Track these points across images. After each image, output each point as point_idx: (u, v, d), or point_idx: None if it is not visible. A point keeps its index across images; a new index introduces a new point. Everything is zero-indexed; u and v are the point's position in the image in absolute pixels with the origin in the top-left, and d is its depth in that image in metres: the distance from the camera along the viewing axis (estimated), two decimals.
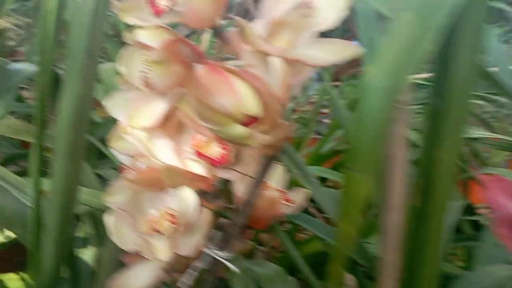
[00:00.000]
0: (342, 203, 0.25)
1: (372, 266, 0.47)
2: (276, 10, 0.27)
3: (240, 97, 0.23)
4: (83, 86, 0.34)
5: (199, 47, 0.30)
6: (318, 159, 0.85)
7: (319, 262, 0.67)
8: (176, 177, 0.30)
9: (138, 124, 0.31)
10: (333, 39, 0.29)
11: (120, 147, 0.37)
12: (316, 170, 0.66)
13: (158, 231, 0.35)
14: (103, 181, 0.68)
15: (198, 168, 0.32)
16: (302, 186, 0.47)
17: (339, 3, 0.28)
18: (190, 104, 0.31)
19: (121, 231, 0.36)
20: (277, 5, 0.27)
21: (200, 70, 0.25)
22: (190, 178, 0.31)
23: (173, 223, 0.36)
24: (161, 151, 0.32)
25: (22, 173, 0.69)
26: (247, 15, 0.31)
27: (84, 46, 0.33)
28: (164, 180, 0.31)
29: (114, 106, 0.36)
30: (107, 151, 0.74)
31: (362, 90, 0.21)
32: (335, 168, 1.01)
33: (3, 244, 0.58)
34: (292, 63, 0.29)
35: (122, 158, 0.39)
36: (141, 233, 0.36)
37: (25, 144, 0.82)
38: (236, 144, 0.28)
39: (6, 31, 0.49)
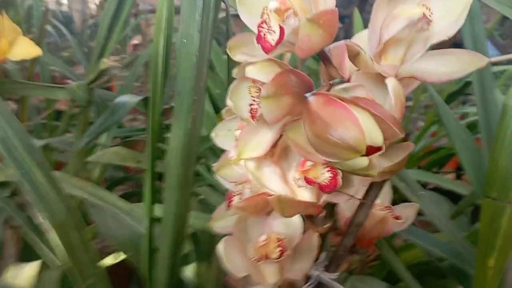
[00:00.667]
0: (482, 237, 0.23)
1: None
2: (389, 28, 0.26)
3: (363, 129, 0.22)
4: (192, 121, 0.36)
5: (307, 77, 0.30)
6: (413, 160, 0.81)
7: (421, 272, 0.63)
8: (288, 207, 0.30)
9: (248, 155, 0.32)
10: (457, 49, 0.27)
11: (226, 175, 0.38)
12: (415, 175, 0.63)
13: (268, 257, 0.36)
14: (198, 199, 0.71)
15: (307, 195, 0.32)
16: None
17: (456, 11, 0.26)
18: (299, 133, 0.31)
19: (231, 258, 0.37)
20: (390, 23, 0.26)
21: (315, 101, 0.25)
22: (300, 206, 0.31)
23: (281, 247, 0.36)
24: (270, 179, 0.32)
25: (127, 196, 0.74)
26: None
27: (192, 84, 0.35)
28: (276, 210, 0.31)
29: (220, 136, 0.38)
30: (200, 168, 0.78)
31: (503, 111, 0.20)
32: (430, 165, 0.96)
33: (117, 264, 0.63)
34: (406, 80, 0.28)
35: (228, 185, 0.41)
36: (250, 259, 0.37)
37: (127, 169, 0.89)
38: (356, 174, 0.27)
39: (109, 69, 0.53)
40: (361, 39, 0.33)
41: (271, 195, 0.30)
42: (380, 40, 0.27)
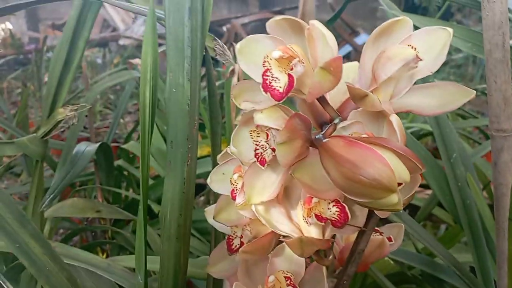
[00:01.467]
0: (510, 260, 0.25)
1: None
2: (386, 69, 0.28)
3: (392, 168, 0.24)
4: (188, 170, 0.35)
5: (307, 117, 0.31)
6: None
7: (396, 282, 0.67)
8: (308, 246, 0.31)
9: (258, 200, 0.32)
10: (439, 82, 0.30)
11: (225, 219, 0.38)
12: None
13: None
14: None
15: (315, 231, 0.33)
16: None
17: (437, 48, 0.29)
18: (305, 172, 0.32)
19: None
20: (386, 64, 0.28)
21: (335, 144, 0.26)
22: (317, 244, 0.31)
23: (291, 285, 0.37)
24: (279, 220, 0.33)
25: (87, 248, 0.69)
26: None
27: (186, 133, 0.34)
28: (295, 250, 0.31)
29: (215, 181, 0.37)
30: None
31: None
32: None
33: None
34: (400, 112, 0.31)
35: (223, 229, 0.40)
36: None
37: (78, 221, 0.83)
38: (385, 211, 0.28)
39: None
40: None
41: (288, 238, 0.31)
42: (376, 79, 0.29)
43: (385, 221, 0.46)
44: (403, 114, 1.39)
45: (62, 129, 0.52)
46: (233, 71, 0.85)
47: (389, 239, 0.41)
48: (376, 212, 0.32)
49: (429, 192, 0.86)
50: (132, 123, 2.21)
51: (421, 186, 1.04)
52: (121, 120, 1.84)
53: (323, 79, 0.26)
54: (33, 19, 5.68)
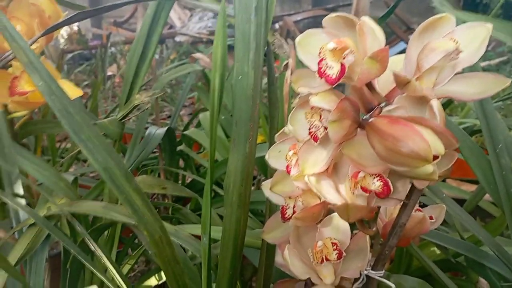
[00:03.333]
0: None
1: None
2: (428, 59, 0.32)
3: (427, 142, 0.28)
4: (249, 146, 0.41)
5: (356, 102, 0.35)
6: None
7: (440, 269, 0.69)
8: (353, 212, 0.35)
9: (311, 171, 0.37)
10: (479, 72, 0.33)
11: (281, 190, 0.43)
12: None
13: (328, 259, 0.41)
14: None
15: (361, 201, 0.37)
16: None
17: (477, 42, 0.33)
18: (352, 149, 0.37)
19: (294, 263, 0.42)
20: (429, 54, 0.32)
21: (380, 122, 0.31)
22: (362, 211, 0.36)
23: (338, 250, 0.41)
24: (328, 191, 0.38)
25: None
26: None
27: (248, 114, 0.40)
28: (341, 215, 0.36)
29: (272, 157, 0.43)
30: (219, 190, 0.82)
31: None
32: None
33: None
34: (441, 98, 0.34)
35: (277, 201, 0.46)
36: (312, 262, 0.41)
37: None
38: (422, 179, 0.33)
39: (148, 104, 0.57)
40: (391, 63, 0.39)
41: (336, 205, 0.36)
42: (420, 68, 0.33)
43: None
44: (457, 110, 1.37)
45: (138, 113, 0.60)
46: (287, 65, 0.91)
47: (431, 218, 0.45)
48: (414, 182, 0.36)
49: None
50: (187, 116, 2.33)
51: (470, 181, 1.04)
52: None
53: (371, 67, 0.31)
54: (96, 17, 6.04)
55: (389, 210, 0.47)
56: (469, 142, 0.56)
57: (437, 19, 0.34)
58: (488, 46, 0.34)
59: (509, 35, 0.46)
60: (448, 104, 1.07)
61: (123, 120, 0.62)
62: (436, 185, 0.52)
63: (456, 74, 0.34)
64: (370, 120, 0.32)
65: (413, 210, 0.45)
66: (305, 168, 0.37)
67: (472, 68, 0.37)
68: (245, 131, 0.41)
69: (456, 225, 0.63)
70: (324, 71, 0.33)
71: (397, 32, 2.32)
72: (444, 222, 0.65)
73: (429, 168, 0.28)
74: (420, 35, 0.35)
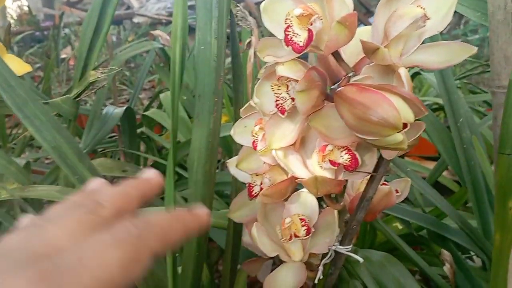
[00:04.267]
0: (500, 185, 0.29)
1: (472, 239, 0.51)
2: (396, 26, 0.31)
3: (397, 109, 0.27)
4: (214, 121, 0.39)
5: (324, 72, 0.34)
6: None
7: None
8: (322, 186, 0.34)
9: (278, 145, 0.35)
10: (445, 41, 0.33)
11: (247, 167, 0.42)
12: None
13: (297, 236, 0.40)
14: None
15: (329, 175, 0.36)
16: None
17: (444, 9, 0.32)
18: (320, 122, 0.35)
19: (262, 241, 0.40)
20: (396, 22, 0.31)
21: (349, 91, 0.30)
22: (331, 184, 0.35)
23: (306, 226, 0.41)
24: (295, 165, 0.37)
25: None
26: None
27: (212, 87, 0.38)
28: (310, 189, 0.35)
29: (238, 133, 0.41)
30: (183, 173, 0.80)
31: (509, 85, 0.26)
32: None
33: None
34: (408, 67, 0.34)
35: (243, 178, 0.44)
36: (280, 240, 0.40)
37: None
38: (390, 149, 0.32)
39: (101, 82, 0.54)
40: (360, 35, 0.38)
41: (304, 179, 0.35)
42: (387, 36, 0.32)
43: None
44: (416, 90, 1.40)
45: (92, 91, 0.56)
46: (250, 43, 0.88)
47: (396, 191, 0.45)
48: (383, 153, 0.35)
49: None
50: (148, 100, 2.26)
51: (429, 158, 1.07)
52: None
53: (339, 33, 0.30)
54: None
55: (356, 184, 0.46)
56: (431, 117, 0.57)
57: None
58: (443, 29, 0.34)
59: (470, 9, 0.46)
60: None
61: (77, 99, 0.59)
62: (400, 160, 0.52)
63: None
64: (339, 89, 0.31)
65: (379, 184, 0.45)
66: (272, 142, 0.36)
67: (432, 40, 0.36)
68: (209, 106, 0.39)
69: (418, 200, 0.64)
70: (291, 39, 0.32)
71: (357, 14, 2.34)
72: (406, 199, 0.66)
73: (399, 136, 0.27)
74: (387, 2, 0.34)
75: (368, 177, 0.39)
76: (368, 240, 0.72)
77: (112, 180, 0.84)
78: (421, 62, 0.34)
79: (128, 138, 0.81)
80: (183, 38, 0.39)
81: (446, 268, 0.55)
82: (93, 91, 0.56)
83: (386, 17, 0.33)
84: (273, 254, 0.41)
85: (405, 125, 0.28)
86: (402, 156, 1.29)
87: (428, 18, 0.32)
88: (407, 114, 0.27)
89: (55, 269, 0.19)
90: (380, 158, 0.39)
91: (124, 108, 0.65)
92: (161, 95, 0.90)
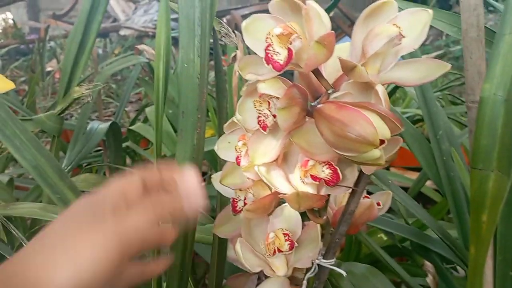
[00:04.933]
0: (474, 199, 0.30)
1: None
2: (373, 44, 0.32)
3: (374, 126, 0.28)
4: (197, 137, 0.39)
5: (305, 89, 0.35)
6: None
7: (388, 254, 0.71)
8: (304, 201, 0.35)
9: (260, 161, 0.36)
10: (421, 58, 0.34)
11: (231, 183, 0.42)
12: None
13: (280, 250, 0.40)
14: None
15: (311, 190, 0.37)
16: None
17: (419, 27, 0.33)
18: (302, 138, 0.36)
19: (246, 257, 0.41)
20: (373, 40, 0.32)
21: (327, 108, 0.30)
22: (313, 200, 0.36)
23: (289, 241, 0.41)
24: (278, 181, 0.37)
25: None
26: None
27: (195, 104, 0.39)
28: (292, 204, 0.35)
29: (221, 149, 0.42)
30: None
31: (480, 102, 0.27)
32: None
33: None
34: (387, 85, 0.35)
35: (227, 194, 0.44)
36: (264, 255, 0.41)
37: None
38: (369, 165, 0.33)
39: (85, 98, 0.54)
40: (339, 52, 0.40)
41: (286, 194, 0.35)
42: (365, 54, 0.33)
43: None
44: (399, 101, 1.43)
45: (77, 106, 0.56)
46: (235, 57, 0.89)
47: (378, 204, 0.45)
48: (362, 168, 0.36)
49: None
50: (134, 113, 2.25)
51: (412, 169, 1.08)
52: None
53: (318, 52, 0.30)
54: (33, 9, 5.70)
55: (339, 198, 0.47)
56: (412, 129, 0.58)
57: (380, 4, 0.34)
58: (425, 40, 0.35)
59: (448, 24, 0.48)
60: (390, 95, 1.11)
61: (62, 115, 0.58)
62: (382, 172, 0.53)
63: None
64: (318, 106, 0.31)
65: (361, 197, 0.46)
66: (255, 158, 0.36)
67: (412, 55, 0.37)
68: (193, 122, 0.39)
69: (401, 211, 0.65)
70: (271, 57, 0.32)
71: (341, 26, 2.38)
72: (390, 210, 0.67)
73: (376, 152, 0.28)
74: (365, 21, 0.35)
75: (350, 191, 0.40)
76: (353, 252, 0.73)
77: None
78: (398, 79, 0.35)
79: (114, 152, 0.81)
80: (167, 56, 0.39)
81: (429, 279, 0.56)
82: (77, 107, 0.56)
83: (364, 35, 0.34)
84: (257, 270, 0.41)
85: (382, 142, 0.29)
86: (387, 168, 1.31)
87: (403, 37, 0.33)
88: (383, 130, 0.28)
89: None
90: (361, 173, 0.40)
91: (109, 123, 0.65)
92: (147, 109, 0.90)
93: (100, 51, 3.83)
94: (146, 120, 1.05)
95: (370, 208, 0.43)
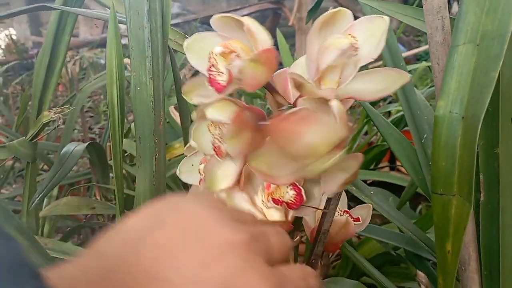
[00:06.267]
0: (437, 226, 0.27)
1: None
2: (324, 58, 0.30)
3: (317, 137, 0.26)
4: (156, 163, 0.38)
5: (258, 108, 0.33)
6: None
7: (381, 263, 0.69)
8: None
9: (217, 187, 0.34)
10: (382, 68, 0.31)
11: None
12: (360, 174, 0.69)
13: None
14: None
15: (276, 214, 0.35)
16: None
17: (377, 36, 0.31)
18: (260, 160, 0.34)
19: None
20: (324, 53, 0.30)
21: (273, 124, 0.28)
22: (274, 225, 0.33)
23: None
24: (242, 206, 0.35)
25: (84, 245, 0.72)
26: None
27: (151, 128, 0.37)
28: None
29: (184, 172, 0.40)
30: None
31: (435, 122, 0.24)
32: (368, 163, 1.04)
33: None
34: (344, 100, 0.32)
35: None
36: None
37: (75, 216, 0.86)
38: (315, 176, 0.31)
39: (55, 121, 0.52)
40: (300, 65, 0.37)
41: None
42: (318, 68, 0.31)
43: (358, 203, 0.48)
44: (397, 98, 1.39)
45: (48, 132, 0.55)
46: None
47: (357, 219, 0.43)
48: (325, 189, 0.34)
49: None
50: (132, 122, 2.24)
51: None
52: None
53: (255, 70, 0.28)
54: (35, 24, 5.75)
55: (317, 214, 0.45)
56: (397, 134, 0.56)
57: (333, 13, 0.31)
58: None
59: (418, 20, 0.45)
60: None
61: (34, 140, 0.57)
62: (362, 183, 0.50)
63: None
64: (263, 123, 0.29)
65: (341, 213, 0.44)
66: (212, 184, 0.34)
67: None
68: (150, 147, 0.37)
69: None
70: (214, 78, 0.30)
71: None
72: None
73: (324, 165, 0.26)
74: (320, 31, 0.33)
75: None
76: (349, 265, 0.70)
77: (86, 217, 0.82)
78: (358, 92, 0.32)
79: (100, 171, 0.79)
80: (120, 80, 0.37)
81: None
82: (48, 132, 0.55)
83: (318, 48, 0.32)
84: None
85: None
86: (392, 169, 1.27)
87: (358, 48, 0.30)
88: (328, 140, 0.26)
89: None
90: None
91: (86, 144, 0.63)
92: (132, 125, 0.88)
93: (102, 61, 3.85)
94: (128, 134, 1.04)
95: (346, 226, 0.41)
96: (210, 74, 0.30)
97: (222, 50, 0.29)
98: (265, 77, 0.29)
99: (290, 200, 0.34)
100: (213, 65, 0.30)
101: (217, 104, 0.31)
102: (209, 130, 0.34)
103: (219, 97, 0.31)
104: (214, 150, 0.33)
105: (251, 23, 0.28)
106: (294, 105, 0.34)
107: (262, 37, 0.28)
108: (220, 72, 0.30)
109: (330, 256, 0.77)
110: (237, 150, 0.31)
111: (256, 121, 0.32)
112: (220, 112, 0.31)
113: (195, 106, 0.34)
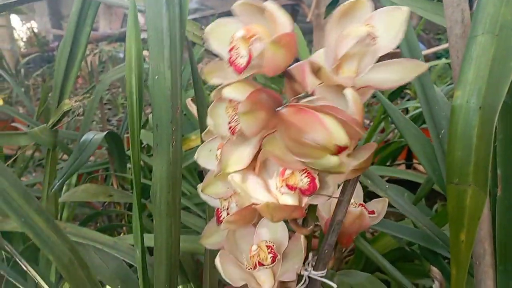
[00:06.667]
0: (452, 216, 0.27)
1: None
2: (342, 46, 0.30)
3: (330, 131, 0.26)
4: (173, 150, 0.38)
5: (276, 94, 0.33)
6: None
7: (394, 258, 0.68)
8: (276, 212, 0.33)
9: (232, 169, 0.34)
10: (400, 59, 0.31)
11: (212, 193, 0.41)
12: (374, 170, 0.68)
13: (262, 264, 0.39)
14: None
15: (290, 200, 0.35)
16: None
17: (396, 27, 0.31)
18: (275, 145, 0.34)
19: (228, 270, 0.39)
20: (342, 41, 0.30)
21: (287, 112, 0.29)
22: (286, 210, 0.34)
23: (272, 254, 0.39)
24: (255, 190, 0.35)
25: (101, 231, 0.74)
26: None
27: (169, 116, 0.37)
28: (265, 215, 0.34)
29: (202, 157, 0.40)
30: None
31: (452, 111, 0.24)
32: (384, 159, 1.04)
33: None
34: (362, 89, 0.32)
35: (213, 203, 0.43)
36: (246, 268, 0.39)
37: (92, 204, 0.88)
38: (330, 173, 0.31)
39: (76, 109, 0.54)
40: (320, 55, 0.37)
41: (258, 204, 0.33)
42: (336, 56, 0.31)
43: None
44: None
45: (68, 120, 0.56)
46: None
47: (372, 212, 0.43)
48: (329, 178, 0.34)
49: None
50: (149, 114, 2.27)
51: None
52: None
53: (275, 53, 0.29)
54: (56, 17, 5.85)
55: (332, 206, 0.45)
56: (414, 130, 0.55)
57: (352, 3, 0.32)
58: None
59: (438, 15, 0.45)
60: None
61: (55, 128, 0.59)
62: (378, 178, 0.50)
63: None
64: (281, 110, 0.29)
65: (356, 206, 0.44)
66: (227, 166, 0.34)
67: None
68: (167, 135, 0.38)
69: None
70: (234, 60, 0.31)
71: None
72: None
73: (333, 159, 0.26)
74: (339, 21, 0.33)
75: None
76: (363, 258, 0.70)
77: (104, 204, 0.84)
78: (376, 81, 0.32)
79: (118, 160, 0.81)
80: (138, 68, 0.38)
81: (436, 286, 0.53)
82: (68, 121, 0.56)
83: (336, 37, 0.32)
84: (240, 283, 0.39)
85: (342, 148, 0.27)
86: (408, 166, 1.26)
87: (376, 37, 0.30)
88: (340, 137, 0.26)
89: None
90: (347, 180, 0.37)
91: (105, 133, 0.65)
92: (149, 116, 0.89)
93: (121, 55, 3.90)
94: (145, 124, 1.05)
95: (360, 217, 0.41)
96: (231, 55, 0.30)
97: (244, 34, 0.30)
98: (285, 60, 0.29)
99: (304, 186, 0.34)
100: (234, 48, 0.30)
101: (235, 84, 0.31)
102: (227, 111, 0.34)
103: (237, 78, 0.31)
104: (230, 130, 0.34)
105: (272, 7, 0.28)
106: (312, 94, 0.34)
107: (283, 21, 0.28)
108: (241, 55, 0.30)
109: (343, 250, 0.77)
110: (251, 128, 0.31)
111: (272, 104, 0.32)
112: (237, 91, 0.31)
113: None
